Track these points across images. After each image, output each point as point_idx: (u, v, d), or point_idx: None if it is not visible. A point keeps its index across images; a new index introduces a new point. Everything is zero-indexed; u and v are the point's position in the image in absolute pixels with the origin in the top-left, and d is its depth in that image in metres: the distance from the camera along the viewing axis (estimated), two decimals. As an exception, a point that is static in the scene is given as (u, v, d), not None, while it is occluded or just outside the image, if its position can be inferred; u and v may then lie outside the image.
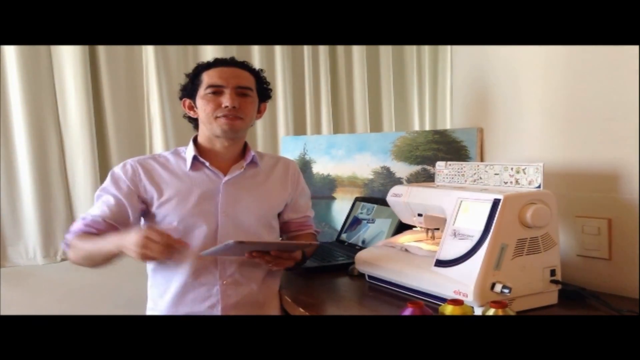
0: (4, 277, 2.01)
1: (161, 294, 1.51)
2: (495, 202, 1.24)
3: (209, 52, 2.25)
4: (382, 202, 1.78)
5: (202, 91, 1.50)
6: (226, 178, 1.51)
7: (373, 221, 1.90)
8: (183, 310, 1.48)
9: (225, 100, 1.47)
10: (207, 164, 1.51)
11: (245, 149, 1.59)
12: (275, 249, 1.41)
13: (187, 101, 1.56)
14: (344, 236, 2.01)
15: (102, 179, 2.05)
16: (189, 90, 1.54)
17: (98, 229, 1.45)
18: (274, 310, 1.56)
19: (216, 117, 1.48)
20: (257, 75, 1.57)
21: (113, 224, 1.45)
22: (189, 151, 1.53)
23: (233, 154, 1.56)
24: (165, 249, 1.26)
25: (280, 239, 1.66)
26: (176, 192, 1.48)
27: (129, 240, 1.28)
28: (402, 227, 1.68)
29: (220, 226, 1.48)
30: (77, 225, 1.46)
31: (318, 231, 1.75)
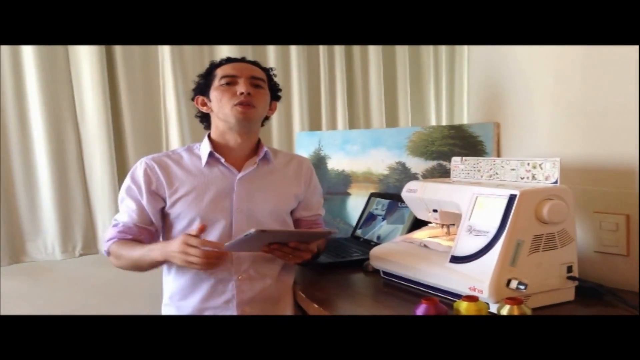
0: (23, 272, 2.04)
1: (177, 289, 1.53)
2: (512, 198, 1.23)
3: (225, 50, 2.25)
4: (398, 197, 1.77)
5: (216, 83, 1.52)
6: (240, 174, 1.52)
7: (388, 217, 1.90)
8: (198, 305, 1.50)
9: (240, 88, 1.49)
10: (222, 160, 1.52)
11: (258, 145, 1.60)
12: (296, 238, 1.42)
13: (200, 98, 1.58)
14: (359, 232, 2.00)
15: (119, 174, 2.09)
16: (202, 87, 1.57)
17: (132, 234, 1.52)
18: (287, 305, 1.57)
19: (232, 106, 1.49)
20: (268, 73, 1.61)
21: (144, 226, 1.52)
22: (204, 147, 1.54)
23: (246, 149, 1.57)
24: (206, 258, 1.34)
25: None
26: (192, 189, 1.49)
27: (172, 248, 1.37)
28: (417, 223, 1.68)
29: (234, 222, 1.49)
30: (112, 233, 1.53)
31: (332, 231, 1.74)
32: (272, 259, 1.51)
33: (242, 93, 1.48)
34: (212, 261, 1.35)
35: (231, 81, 1.51)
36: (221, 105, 1.50)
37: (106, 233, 1.56)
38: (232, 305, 1.50)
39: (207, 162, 1.52)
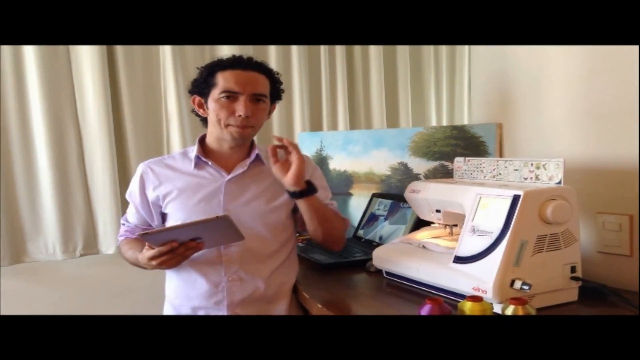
0: (24, 272, 2.04)
1: (172, 288, 1.56)
2: (515, 198, 1.23)
3: (226, 50, 2.24)
4: (400, 198, 1.76)
5: (215, 94, 1.47)
6: (229, 176, 1.52)
7: (390, 217, 1.89)
8: (192, 305, 1.51)
9: (240, 109, 1.45)
10: (210, 163, 1.52)
11: (251, 146, 1.58)
12: (188, 234, 1.34)
13: (198, 99, 1.54)
14: (361, 232, 2.00)
15: (120, 175, 2.10)
16: (201, 88, 1.52)
17: (136, 234, 1.57)
18: (282, 306, 1.53)
19: (227, 125, 1.47)
20: (272, 77, 1.55)
21: (145, 227, 1.59)
22: (193, 151, 1.55)
23: (240, 153, 1.56)
24: (173, 256, 1.34)
25: (298, 234, 1.65)
26: (181, 191, 1.51)
27: (145, 262, 1.39)
28: (420, 224, 1.67)
29: None
30: (121, 231, 1.65)
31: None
32: (262, 260, 1.51)
33: (240, 115, 1.45)
34: (180, 259, 1.36)
35: (231, 96, 1.46)
36: (218, 119, 1.48)
37: (120, 230, 1.67)
38: (223, 306, 1.49)
39: (197, 165, 1.53)
